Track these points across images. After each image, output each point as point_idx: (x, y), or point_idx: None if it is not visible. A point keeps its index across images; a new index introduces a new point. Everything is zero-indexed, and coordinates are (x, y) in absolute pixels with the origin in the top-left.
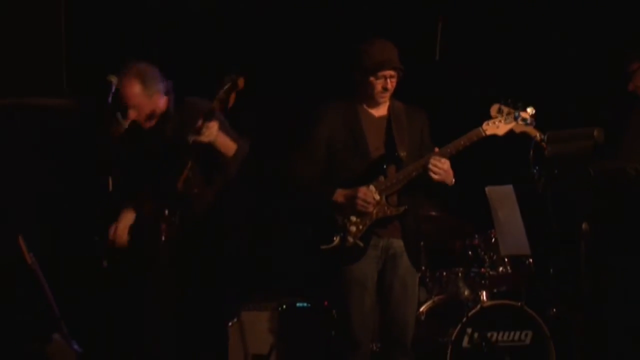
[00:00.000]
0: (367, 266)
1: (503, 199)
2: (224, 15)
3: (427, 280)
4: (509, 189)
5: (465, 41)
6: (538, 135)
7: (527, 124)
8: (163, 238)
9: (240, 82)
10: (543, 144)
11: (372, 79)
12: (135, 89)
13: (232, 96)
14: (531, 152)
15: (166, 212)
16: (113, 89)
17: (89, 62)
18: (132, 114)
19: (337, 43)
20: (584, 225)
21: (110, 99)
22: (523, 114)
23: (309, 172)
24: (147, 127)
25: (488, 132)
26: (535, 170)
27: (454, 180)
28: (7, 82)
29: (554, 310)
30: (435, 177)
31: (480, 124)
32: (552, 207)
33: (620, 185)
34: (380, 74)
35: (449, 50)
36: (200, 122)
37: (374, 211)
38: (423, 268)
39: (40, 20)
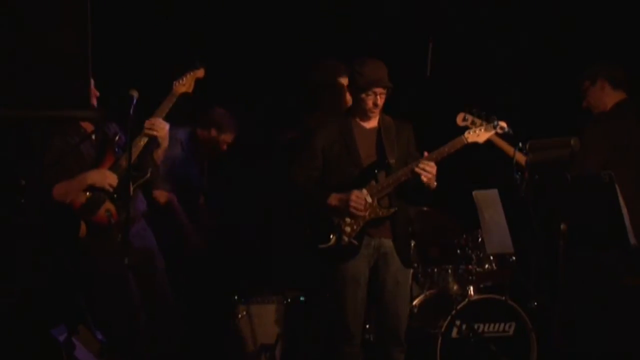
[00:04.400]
0: (360, 264)
1: (489, 202)
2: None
3: (420, 276)
4: (494, 193)
5: (454, 60)
6: (512, 151)
7: (505, 132)
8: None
9: (200, 72)
10: (523, 152)
11: (363, 95)
12: None
13: (192, 83)
14: (514, 160)
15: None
16: (134, 102)
17: (112, 78)
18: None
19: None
20: (562, 226)
21: (131, 112)
22: (501, 123)
23: (306, 178)
24: None
25: (469, 140)
26: (517, 176)
27: (436, 184)
28: (37, 96)
29: (535, 303)
30: (423, 178)
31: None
32: (534, 209)
33: (594, 190)
34: (371, 91)
35: (439, 68)
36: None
37: (367, 213)
38: (415, 265)
39: (68, 37)
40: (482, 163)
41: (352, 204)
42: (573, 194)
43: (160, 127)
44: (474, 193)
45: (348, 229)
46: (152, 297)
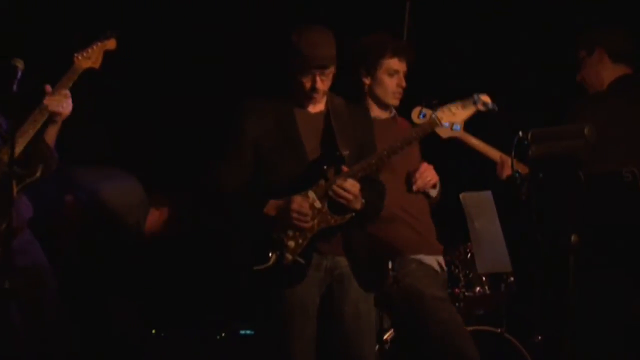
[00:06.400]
0: (309, 290)
1: (480, 206)
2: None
3: None
4: (487, 195)
5: (434, 23)
6: (498, 156)
7: (489, 109)
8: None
9: (111, 43)
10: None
11: (299, 76)
12: None
13: (100, 56)
14: (513, 153)
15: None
16: (19, 75)
17: None
18: None
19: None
20: (573, 237)
21: (15, 87)
22: (483, 97)
23: (235, 181)
24: None
25: (443, 121)
26: (517, 175)
27: (362, 202)
28: None
29: (539, 337)
30: (342, 201)
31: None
32: (537, 216)
33: (613, 191)
34: (309, 72)
35: (417, 32)
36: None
37: (316, 221)
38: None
39: None
40: (472, 158)
41: (294, 214)
42: (587, 197)
43: (67, 104)
44: (461, 195)
45: (292, 244)
46: (40, 327)
